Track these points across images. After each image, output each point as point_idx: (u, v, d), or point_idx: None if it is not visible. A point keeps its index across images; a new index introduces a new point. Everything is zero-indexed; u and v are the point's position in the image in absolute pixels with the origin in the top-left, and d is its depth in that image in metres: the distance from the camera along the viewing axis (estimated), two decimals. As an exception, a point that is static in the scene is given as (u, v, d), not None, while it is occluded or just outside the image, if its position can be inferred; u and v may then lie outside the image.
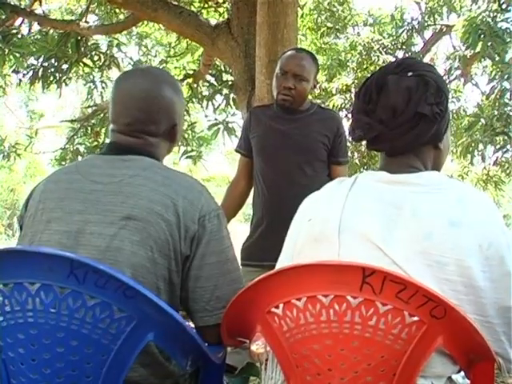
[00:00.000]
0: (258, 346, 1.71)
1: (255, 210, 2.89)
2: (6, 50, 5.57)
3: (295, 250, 1.39)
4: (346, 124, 10.68)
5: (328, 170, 2.84)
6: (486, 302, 1.21)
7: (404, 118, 1.32)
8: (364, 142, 1.41)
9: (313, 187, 2.74)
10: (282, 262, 1.43)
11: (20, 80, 7.58)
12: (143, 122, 1.51)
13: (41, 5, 7.23)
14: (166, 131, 1.55)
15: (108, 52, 7.43)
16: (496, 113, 7.21)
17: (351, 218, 1.29)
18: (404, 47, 9.25)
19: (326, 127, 2.81)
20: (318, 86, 2.97)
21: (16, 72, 7.45)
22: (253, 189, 2.96)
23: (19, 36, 6.30)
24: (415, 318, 1.12)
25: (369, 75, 1.44)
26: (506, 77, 6.91)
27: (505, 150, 7.83)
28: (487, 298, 1.21)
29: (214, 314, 1.41)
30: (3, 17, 5.99)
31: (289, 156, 2.75)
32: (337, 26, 9.92)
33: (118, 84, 1.57)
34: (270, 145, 2.79)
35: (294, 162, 2.75)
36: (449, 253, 1.20)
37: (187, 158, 7.99)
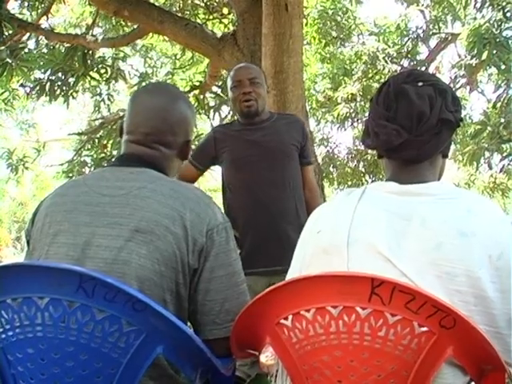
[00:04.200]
0: (267, 357, 1.70)
1: (235, 223, 2.82)
2: (14, 65, 5.61)
3: (304, 262, 1.39)
4: (351, 132, 10.70)
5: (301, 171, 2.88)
6: (496, 313, 1.20)
7: (429, 125, 1.32)
8: (367, 150, 1.41)
9: (292, 188, 2.79)
10: (292, 274, 1.42)
11: (27, 94, 7.63)
12: (162, 132, 1.53)
13: (47, 19, 7.30)
14: (180, 145, 1.57)
15: (114, 65, 7.48)
16: (502, 120, 7.21)
17: (360, 230, 1.29)
18: (409, 56, 9.27)
19: (293, 130, 2.86)
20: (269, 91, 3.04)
21: (23, 86, 7.51)
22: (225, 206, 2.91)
23: (26, 50, 6.35)
24: (425, 329, 1.12)
25: (379, 83, 1.44)
26: (511, 85, 6.92)
27: (511, 157, 7.82)
28: (497, 308, 1.20)
29: (224, 327, 1.41)
30: (10, 31, 6.04)
31: (265, 163, 2.76)
32: (341, 35, 9.94)
33: (137, 97, 1.61)
34: (246, 155, 2.79)
35: (272, 169, 2.75)
36: (459, 264, 1.19)
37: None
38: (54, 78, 7.06)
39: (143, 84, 8.01)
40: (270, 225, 2.71)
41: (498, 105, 7.52)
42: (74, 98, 7.43)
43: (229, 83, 2.85)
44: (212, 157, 2.87)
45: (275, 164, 2.76)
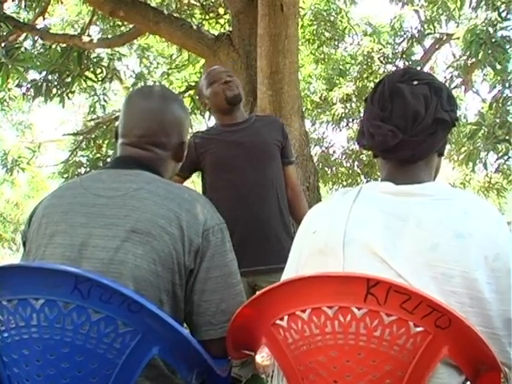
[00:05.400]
0: (263, 357, 1.70)
1: None
2: (10, 65, 5.59)
3: (300, 262, 1.39)
4: (346, 133, 10.72)
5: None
6: (492, 314, 1.20)
7: (424, 125, 1.32)
8: (362, 150, 1.42)
9: (276, 188, 2.81)
10: (287, 274, 1.42)
11: (24, 94, 7.62)
12: (156, 133, 1.54)
13: (44, 19, 7.29)
14: (175, 146, 1.58)
15: (110, 65, 7.46)
16: (498, 120, 7.23)
17: (356, 231, 1.29)
18: (404, 56, 9.28)
19: (273, 130, 2.87)
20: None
21: (19, 86, 7.50)
22: None
23: (22, 50, 6.33)
24: (420, 329, 1.12)
25: (374, 83, 1.44)
26: (507, 85, 6.94)
27: (507, 157, 7.84)
28: (493, 310, 1.20)
29: (219, 328, 1.41)
30: (5, 32, 6.03)
31: (249, 163, 2.75)
32: (335, 36, 9.95)
33: (131, 100, 1.62)
34: (229, 156, 2.78)
35: (256, 168, 2.75)
36: (454, 265, 1.19)
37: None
38: (49, 78, 7.05)
39: (139, 84, 8.01)
40: (255, 225, 2.71)
41: (494, 105, 7.54)
42: (69, 98, 7.41)
43: (205, 83, 2.86)
44: (193, 161, 2.83)
45: (259, 164, 2.76)
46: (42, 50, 7.35)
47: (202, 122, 8.86)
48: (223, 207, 2.77)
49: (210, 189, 2.85)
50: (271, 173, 2.79)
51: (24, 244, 1.52)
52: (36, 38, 7.30)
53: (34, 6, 7.37)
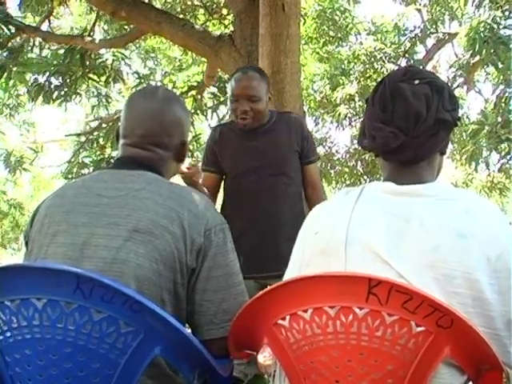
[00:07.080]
0: (265, 357, 1.70)
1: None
2: (13, 68, 5.60)
3: (303, 261, 1.39)
4: (349, 132, 10.69)
5: (301, 172, 2.88)
6: (494, 315, 1.20)
7: (426, 126, 1.32)
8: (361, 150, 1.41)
9: (292, 194, 2.80)
10: (290, 274, 1.42)
11: (33, 98, 7.62)
12: (157, 133, 1.56)
13: (50, 23, 7.31)
14: (176, 146, 1.59)
15: (113, 65, 7.46)
16: (500, 120, 7.22)
17: (358, 231, 1.29)
18: (407, 55, 9.28)
19: (293, 133, 2.84)
20: (271, 98, 2.97)
21: (29, 91, 7.51)
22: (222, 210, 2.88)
23: (30, 55, 6.34)
24: (422, 328, 1.12)
25: (376, 83, 1.43)
26: (510, 83, 6.93)
27: (509, 156, 7.83)
28: (495, 311, 1.20)
29: (221, 327, 1.41)
30: (9, 33, 6.04)
31: (265, 169, 2.76)
32: (339, 35, 9.95)
33: (132, 101, 1.63)
34: (245, 162, 2.79)
35: (271, 174, 2.76)
36: (456, 265, 1.19)
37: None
38: (52, 80, 7.05)
39: (143, 85, 8.02)
40: (267, 232, 2.72)
41: (497, 104, 7.53)
42: (71, 100, 7.41)
43: (228, 91, 2.81)
44: (218, 156, 2.86)
45: (273, 172, 2.76)
46: (49, 53, 7.37)
47: (203, 121, 8.86)
48: (236, 213, 2.79)
49: (225, 191, 2.89)
50: (285, 181, 2.79)
51: (26, 243, 1.53)
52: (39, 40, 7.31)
53: (38, 9, 7.38)
